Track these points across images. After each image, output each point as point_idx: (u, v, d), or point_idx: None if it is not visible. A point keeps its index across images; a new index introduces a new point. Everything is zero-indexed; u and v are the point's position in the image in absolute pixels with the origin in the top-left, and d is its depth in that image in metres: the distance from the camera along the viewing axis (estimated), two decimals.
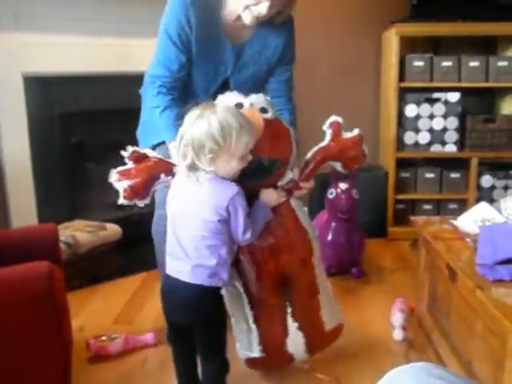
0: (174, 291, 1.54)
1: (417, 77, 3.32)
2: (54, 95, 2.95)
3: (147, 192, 1.65)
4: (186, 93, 1.83)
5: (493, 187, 3.45)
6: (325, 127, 1.75)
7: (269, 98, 1.65)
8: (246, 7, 1.70)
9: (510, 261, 1.49)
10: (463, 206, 3.34)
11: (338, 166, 1.78)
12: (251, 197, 1.56)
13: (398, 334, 2.09)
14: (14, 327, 1.52)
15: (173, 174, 1.60)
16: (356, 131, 1.75)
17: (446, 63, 3.30)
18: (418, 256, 2.17)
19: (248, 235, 1.50)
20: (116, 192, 1.70)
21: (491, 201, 3.29)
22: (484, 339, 1.41)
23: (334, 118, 1.75)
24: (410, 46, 3.40)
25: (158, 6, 3.17)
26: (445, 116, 3.34)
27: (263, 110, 1.56)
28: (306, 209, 1.78)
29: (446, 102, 3.33)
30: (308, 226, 1.73)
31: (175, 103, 1.80)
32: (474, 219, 1.86)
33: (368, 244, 2.86)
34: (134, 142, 2.04)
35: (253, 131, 1.45)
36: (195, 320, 1.54)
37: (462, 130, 3.39)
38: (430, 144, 3.39)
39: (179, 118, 1.51)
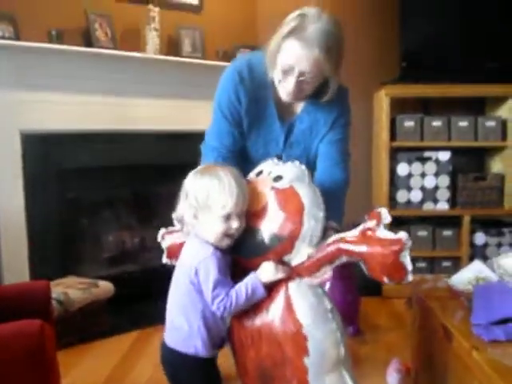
0: (161, 350, 1.53)
1: (408, 136, 3.40)
2: (51, 152, 2.99)
3: None
4: (243, 162, 1.81)
5: (486, 244, 3.47)
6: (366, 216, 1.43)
7: (303, 167, 1.53)
8: (279, 82, 1.67)
9: (505, 321, 1.48)
10: (456, 263, 3.35)
11: (364, 267, 1.41)
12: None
13: None
14: None
15: None
16: (399, 235, 1.33)
17: (436, 123, 3.39)
18: (412, 315, 2.16)
19: (220, 307, 1.38)
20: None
21: (484, 258, 3.29)
22: None
23: (378, 209, 1.41)
24: (400, 106, 3.49)
25: (154, 66, 3.29)
26: (436, 174, 3.40)
27: (277, 179, 1.47)
28: (318, 299, 1.46)
29: (437, 161, 3.39)
30: (307, 318, 1.42)
31: None
32: (467, 278, 1.87)
33: (363, 302, 2.84)
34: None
35: (236, 196, 1.40)
36: None
37: (453, 188, 3.44)
38: (422, 202, 3.43)
39: None
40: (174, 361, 1.48)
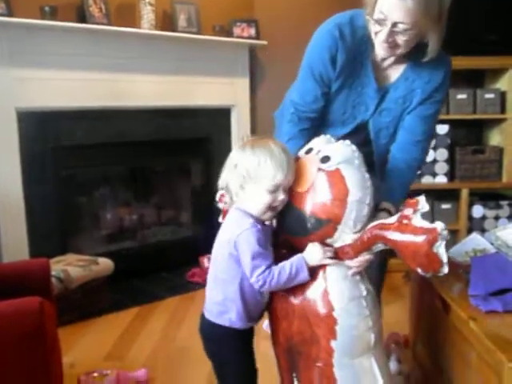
0: (200, 324, 1.52)
1: None
2: (47, 129, 2.97)
3: None
4: (321, 123, 1.77)
5: (484, 217, 3.47)
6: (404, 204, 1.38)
7: (354, 147, 1.43)
8: (375, 34, 1.57)
9: (502, 291, 1.49)
10: (454, 236, 3.35)
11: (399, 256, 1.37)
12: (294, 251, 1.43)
13: (392, 367, 2.08)
14: (4, 363, 1.50)
15: None
16: (434, 225, 1.28)
17: None
18: (411, 288, 2.17)
19: (259, 280, 1.35)
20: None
21: (482, 231, 3.31)
22: (478, 371, 1.40)
23: (417, 198, 1.37)
24: None
25: (150, 42, 3.26)
26: (434, 148, 3.39)
27: (325, 159, 1.40)
28: (353, 285, 1.44)
29: (436, 134, 3.37)
30: (339, 302, 1.41)
31: (303, 134, 1.72)
32: (465, 250, 1.87)
33: None
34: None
35: (286, 169, 1.37)
36: (210, 358, 1.51)
37: (451, 161, 3.43)
38: (420, 176, 3.42)
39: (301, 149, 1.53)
40: (210, 333, 1.48)
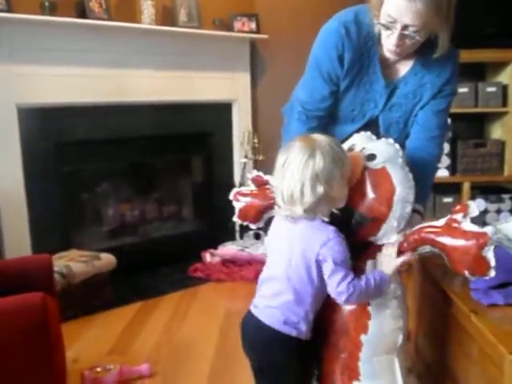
0: (247, 326, 1.45)
1: None
2: (48, 125, 2.98)
3: (258, 217, 1.62)
4: (330, 121, 1.75)
5: (486, 211, 3.47)
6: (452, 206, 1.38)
7: (397, 146, 1.45)
8: (384, 39, 1.56)
9: (503, 285, 1.49)
10: None
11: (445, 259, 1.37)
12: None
13: None
14: (8, 358, 1.51)
15: None
16: (484, 229, 1.29)
17: None
18: (413, 281, 2.17)
19: (349, 289, 1.30)
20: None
21: (484, 224, 3.29)
22: (480, 364, 1.41)
23: (467, 203, 1.35)
24: None
25: (150, 37, 3.26)
26: None
27: (370, 157, 1.41)
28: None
29: (449, 127, 3.37)
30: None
31: (312, 132, 1.65)
32: None
33: None
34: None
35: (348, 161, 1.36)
36: (262, 365, 1.44)
37: (453, 155, 3.43)
38: None
39: None
40: (269, 339, 1.40)
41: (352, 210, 1.41)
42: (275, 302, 1.38)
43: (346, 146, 1.51)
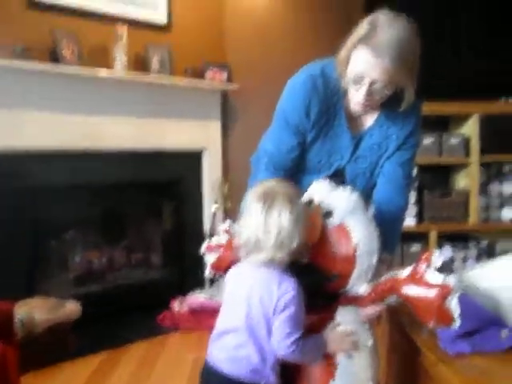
0: (210, 381, 1.41)
1: None
2: (16, 171, 2.94)
3: (229, 268, 1.59)
4: (296, 171, 1.76)
5: (452, 259, 3.52)
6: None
7: (356, 196, 1.47)
8: (349, 92, 1.60)
9: (470, 333, 1.50)
10: None
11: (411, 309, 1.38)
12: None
13: None
14: None
15: None
16: (447, 281, 1.30)
17: None
18: (381, 330, 2.17)
19: (291, 347, 1.31)
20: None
21: (451, 272, 3.34)
22: None
23: (431, 253, 1.36)
24: None
25: (122, 84, 3.29)
26: None
27: (328, 215, 1.42)
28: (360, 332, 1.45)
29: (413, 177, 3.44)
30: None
31: None
32: None
33: None
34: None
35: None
36: None
37: (420, 204, 3.49)
38: None
39: None
40: None
41: (317, 268, 1.42)
42: (239, 353, 1.36)
43: (304, 198, 1.52)
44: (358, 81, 1.53)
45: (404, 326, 1.73)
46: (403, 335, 1.74)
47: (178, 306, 3.40)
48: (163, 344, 3.01)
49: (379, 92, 1.53)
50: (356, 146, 1.72)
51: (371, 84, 1.51)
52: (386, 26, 1.46)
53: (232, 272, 1.47)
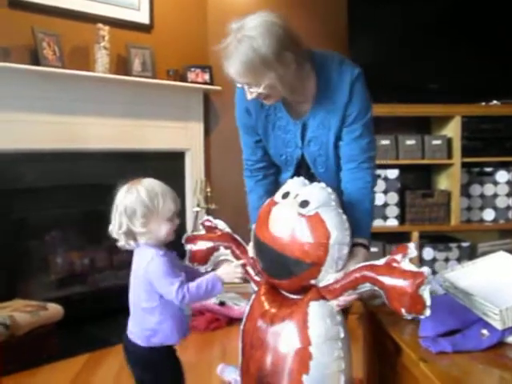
0: (125, 349, 1.63)
1: None
2: None
3: (206, 260, 1.76)
4: (274, 169, 1.91)
5: (434, 259, 3.55)
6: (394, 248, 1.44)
7: (329, 189, 1.54)
8: None
9: (451, 332, 1.52)
10: None
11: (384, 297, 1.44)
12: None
13: None
14: None
15: (231, 248, 1.73)
16: (421, 269, 1.37)
17: (385, 142, 3.47)
18: (363, 330, 2.18)
19: (179, 294, 1.49)
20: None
21: (433, 273, 3.37)
22: None
23: (406, 244, 1.44)
24: None
25: (104, 85, 3.27)
26: (385, 192, 3.48)
27: (304, 204, 1.48)
28: (333, 325, 1.49)
29: (386, 179, 3.47)
30: (317, 339, 1.45)
31: (260, 184, 1.89)
32: None
33: None
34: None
35: (176, 199, 1.62)
36: (142, 378, 1.60)
37: (401, 204, 3.52)
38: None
39: (263, 198, 1.74)
40: (139, 356, 1.58)
41: (290, 257, 1.47)
42: (135, 323, 1.60)
43: (280, 192, 1.59)
44: (243, 86, 1.64)
45: (385, 326, 1.74)
46: (384, 335, 1.75)
47: None
48: None
49: (261, 90, 1.59)
50: (304, 131, 1.78)
51: (249, 87, 1.61)
52: (235, 34, 1.58)
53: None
